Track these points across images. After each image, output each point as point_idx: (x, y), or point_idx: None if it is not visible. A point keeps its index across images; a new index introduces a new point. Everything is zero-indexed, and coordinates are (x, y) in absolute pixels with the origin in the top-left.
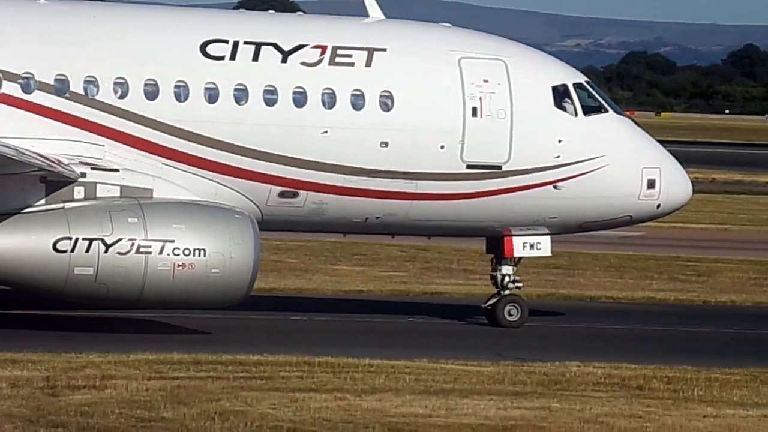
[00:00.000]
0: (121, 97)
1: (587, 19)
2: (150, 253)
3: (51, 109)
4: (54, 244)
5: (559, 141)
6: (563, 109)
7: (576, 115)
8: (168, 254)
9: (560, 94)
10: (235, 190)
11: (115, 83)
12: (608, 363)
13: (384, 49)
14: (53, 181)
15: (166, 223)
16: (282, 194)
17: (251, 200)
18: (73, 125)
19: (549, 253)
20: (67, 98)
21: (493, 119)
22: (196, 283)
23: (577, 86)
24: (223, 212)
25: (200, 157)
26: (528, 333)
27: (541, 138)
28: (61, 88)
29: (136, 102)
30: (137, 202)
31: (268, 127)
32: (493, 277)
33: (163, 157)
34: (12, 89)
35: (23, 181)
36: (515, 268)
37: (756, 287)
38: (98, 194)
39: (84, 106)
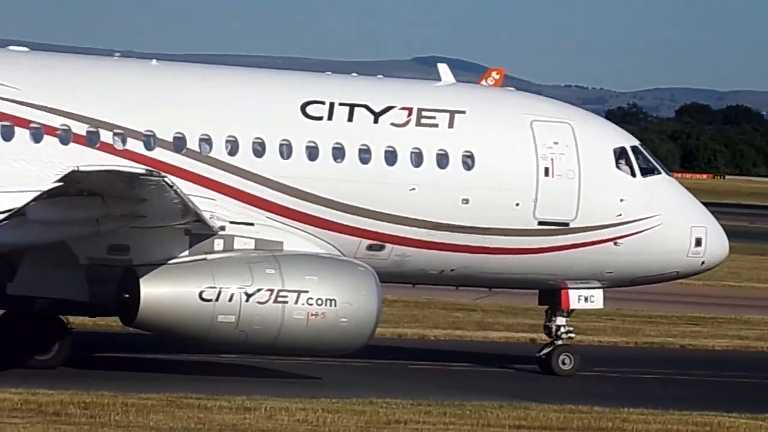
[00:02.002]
0: (231, 154)
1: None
2: (287, 302)
3: (170, 165)
4: (200, 294)
5: (621, 200)
6: (623, 170)
7: (634, 176)
8: (303, 304)
9: (620, 156)
10: (328, 242)
11: (227, 141)
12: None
13: (464, 112)
14: (196, 233)
15: (301, 275)
16: (370, 247)
17: (341, 252)
18: (189, 180)
19: (601, 306)
20: (184, 155)
21: (562, 179)
22: (326, 331)
23: (633, 149)
24: (349, 265)
25: (299, 211)
26: None
27: (605, 197)
28: (179, 145)
29: (244, 159)
30: (272, 255)
31: (361, 184)
32: (547, 327)
33: (266, 210)
34: (135, 146)
35: (170, 234)
36: (568, 319)
37: None
38: (235, 246)
39: (199, 162)
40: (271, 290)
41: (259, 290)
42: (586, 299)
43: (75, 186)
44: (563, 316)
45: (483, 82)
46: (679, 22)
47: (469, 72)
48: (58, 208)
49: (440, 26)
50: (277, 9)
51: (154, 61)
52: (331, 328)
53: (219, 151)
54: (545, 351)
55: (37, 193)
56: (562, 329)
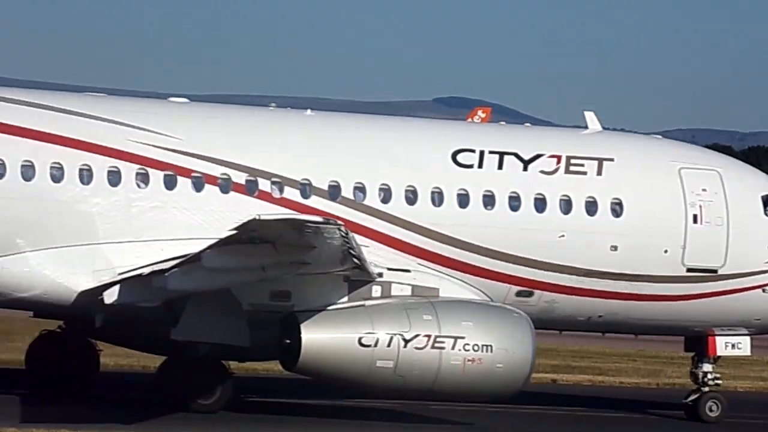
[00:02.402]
0: (384, 201)
1: None
2: (444, 348)
3: (325, 212)
4: (359, 339)
5: None
6: None
7: None
8: (459, 349)
9: (767, 203)
10: (478, 289)
11: (380, 189)
12: None
13: (612, 159)
14: (355, 280)
15: (457, 321)
16: (519, 293)
17: (491, 298)
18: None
19: (749, 353)
20: (339, 203)
21: (711, 226)
22: (482, 377)
23: None
24: (503, 311)
25: (450, 258)
26: None
27: (753, 244)
28: (334, 193)
29: (397, 206)
30: (429, 301)
31: (511, 231)
32: (694, 374)
33: (418, 257)
34: (292, 194)
35: (329, 280)
36: (715, 365)
37: None
38: (392, 293)
39: (353, 210)
40: (429, 336)
41: (416, 336)
42: (733, 346)
43: (250, 233)
44: (710, 363)
45: (470, 119)
46: (700, 63)
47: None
48: (232, 256)
49: (461, 66)
50: (296, 49)
51: (308, 111)
52: (487, 373)
53: (372, 199)
54: (692, 398)
55: (205, 241)
56: (709, 376)
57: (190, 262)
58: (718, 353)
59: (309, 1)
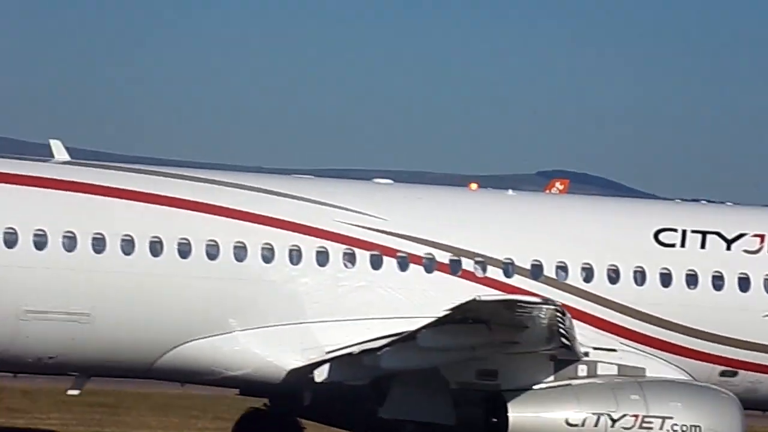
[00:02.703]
0: (587, 280)
1: None
2: (652, 428)
3: (528, 292)
4: (566, 420)
5: None
6: None
7: None
8: (667, 429)
9: None
10: (681, 368)
11: (582, 268)
12: None
13: None
14: (562, 360)
15: (665, 401)
16: (723, 373)
17: (693, 378)
18: None
19: None
20: (542, 282)
21: None
22: None
23: None
24: (712, 391)
25: (653, 337)
26: None
27: None
28: (536, 272)
29: (600, 285)
30: (636, 381)
31: (716, 311)
32: None
33: (620, 336)
34: (495, 273)
35: (536, 359)
36: None
37: None
38: (599, 372)
39: (556, 290)
40: (636, 416)
41: (624, 416)
42: None
43: (466, 314)
44: None
45: (548, 191)
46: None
47: (591, 185)
48: (447, 335)
49: (564, 140)
50: (398, 123)
51: (510, 192)
52: None
53: (575, 278)
54: None
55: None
56: None
57: (403, 340)
58: None
59: (412, 75)
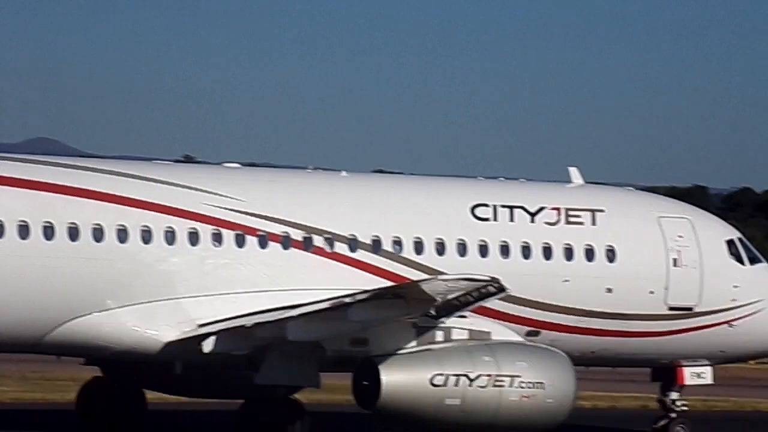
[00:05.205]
0: (418, 253)
1: None
2: (503, 386)
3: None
4: (431, 380)
5: (734, 286)
6: (735, 259)
7: (743, 264)
8: (516, 387)
9: (731, 247)
10: None
11: (414, 242)
12: None
13: (602, 210)
14: (422, 326)
15: (513, 361)
16: (528, 333)
17: None
18: (384, 277)
19: (711, 382)
20: (381, 255)
21: (688, 268)
22: (535, 411)
23: (740, 240)
24: (549, 351)
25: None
26: None
27: (722, 284)
28: (376, 247)
29: (429, 257)
30: (485, 344)
31: (524, 277)
32: (662, 401)
33: None
34: (342, 249)
35: (402, 326)
36: (680, 393)
37: None
38: (453, 337)
39: (394, 262)
40: (490, 375)
41: (480, 376)
42: (698, 375)
43: (399, 291)
44: (677, 391)
45: None
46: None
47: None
48: (374, 310)
49: None
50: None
51: (343, 173)
52: (539, 407)
53: (408, 251)
54: (661, 423)
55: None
56: (677, 403)
57: (332, 312)
58: (686, 383)
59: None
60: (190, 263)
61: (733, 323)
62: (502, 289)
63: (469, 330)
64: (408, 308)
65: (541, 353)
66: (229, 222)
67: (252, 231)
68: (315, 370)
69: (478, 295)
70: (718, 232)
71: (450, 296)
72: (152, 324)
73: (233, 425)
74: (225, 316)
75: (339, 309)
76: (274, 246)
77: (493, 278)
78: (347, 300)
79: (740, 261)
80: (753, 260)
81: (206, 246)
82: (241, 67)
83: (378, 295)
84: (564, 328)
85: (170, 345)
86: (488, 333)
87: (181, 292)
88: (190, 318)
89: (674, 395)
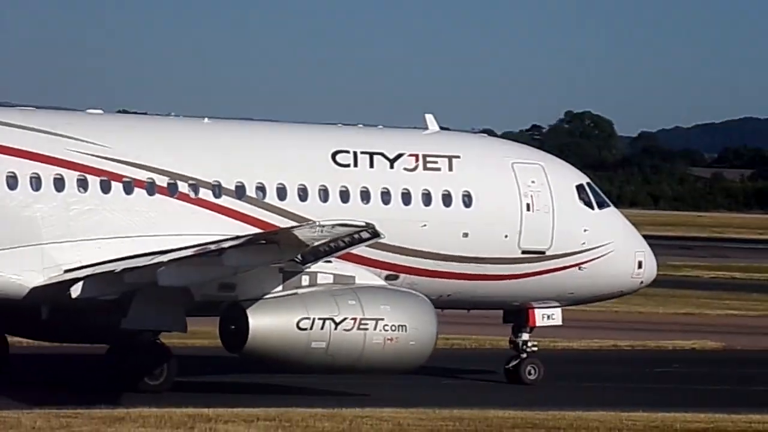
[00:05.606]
0: (281, 199)
1: None
2: (368, 329)
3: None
4: (297, 324)
5: (584, 230)
6: (585, 203)
7: (592, 208)
8: (380, 330)
9: (581, 192)
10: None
11: (277, 188)
12: None
13: (458, 156)
14: (289, 271)
15: (377, 305)
16: (387, 277)
17: None
18: (248, 223)
19: (560, 323)
20: (245, 201)
21: (540, 213)
22: (398, 353)
23: (588, 185)
24: (412, 295)
25: None
26: None
27: (572, 228)
28: (240, 193)
29: (291, 203)
30: (350, 288)
31: (384, 223)
32: (514, 342)
33: None
34: (207, 195)
35: (269, 272)
36: (531, 334)
37: None
38: (318, 281)
39: (258, 208)
40: (355, 319)
41: (345, 319)
42: (548, 317)
43: (274, 237)
44: (528, 332)
45: None
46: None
47: None
48: (249, 255)
49: None
50: None
51: (206, 120)
52: (402, 349)
53: (272, 197)
54: (513, 363)
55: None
56: (528, 343)
57: (208, 256)
58: (537, 324)
59: None
60: (55, 209)
61: (582, 266)
62: (376, 234)
63: (334, 275)
64: (281, 253)
65: (404, 297)
66: (94, 168)
67: (117, 177)
68: (182, 315)
69: (350, 240)
70: (568, 177)
71: (322, 242)
72: (18, 269)
73: (99, 369)
74: (91, 262)
75: (212, 254)
76: (139, 192)
77: (368, 224)
78: (224, 245)
79: (589, 206)
80: (601, 205)
81: (71, 192)
82: None
83: (252, 240)
84: (422, 271)
85: (36, 290)
86: (352, 277)
87: (47, 237)
88: (56, 263)
89: (525, 336)
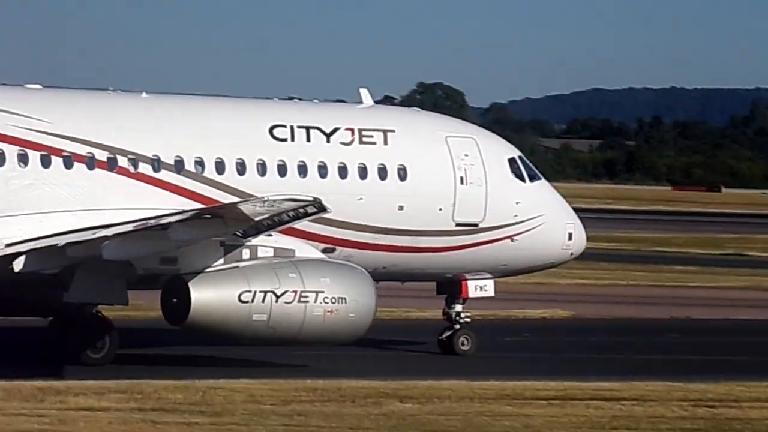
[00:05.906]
0: (219, 173)
1: None
2: (308, 302)
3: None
4: (239, 296)
5: (516, 203)
6: (516, 176)
7: (524, 181)
8: (320, 302)
9: (512, 165)
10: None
11: (215, 162)
12: None
13: (393, 130)
14: (230, 244)
15: (317, 277)
16: (324, 250)
17: None
18: (187, 197)
19: (493, 294)
20: (184, 175)
21: (474, 186)
22: (338, 325)
23: (520, 158)
24: (351, 268)
25: None
26: None
27: (505, 200)
28: (179, 167)
29: (230, 177)
30: (290, 261)
31: (321, 196)
32: (447, 314)
33: None
34: (146, 169)
35: (210, 245)
36: (464, 305)
37: None
38: (259, 254)
39: (196, 182)
40: (296, 291)
41: (285, 292)
42: (481, 288)
43: (219, 211)
44: (461, 304)
45: None
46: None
47: None
48: (194, 229)
49: None
50: None
51: (144, 94)
52: (342, 322)
53: (210, 171)
54: (446, 334)
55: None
56: (462, 315)
57: (151, 231)
58: (470, 296)
59: None
60: None
61: (514, 238)
62: (323, 209)
63: (275, 248)
64: (226, 228)
65: (344, 269)
66: (34, 143)
67: (57, 152)
68: (124, 288)
69: (294, 215)
70: (501, 151)
71: (266, 216)
72: None
73: (42, 343)
74: (33, 236)
75: (157, 228)
76: (79, 166)
77: (315, 198)
78: (170, 219)
79: (521, 178)
80: (532, 177)
81: (12, 167)
82: None
83: (198, 214)
84: (358, 244)
85: None
86: (292, 250)
87: None
88: None
89: (458, 308)
